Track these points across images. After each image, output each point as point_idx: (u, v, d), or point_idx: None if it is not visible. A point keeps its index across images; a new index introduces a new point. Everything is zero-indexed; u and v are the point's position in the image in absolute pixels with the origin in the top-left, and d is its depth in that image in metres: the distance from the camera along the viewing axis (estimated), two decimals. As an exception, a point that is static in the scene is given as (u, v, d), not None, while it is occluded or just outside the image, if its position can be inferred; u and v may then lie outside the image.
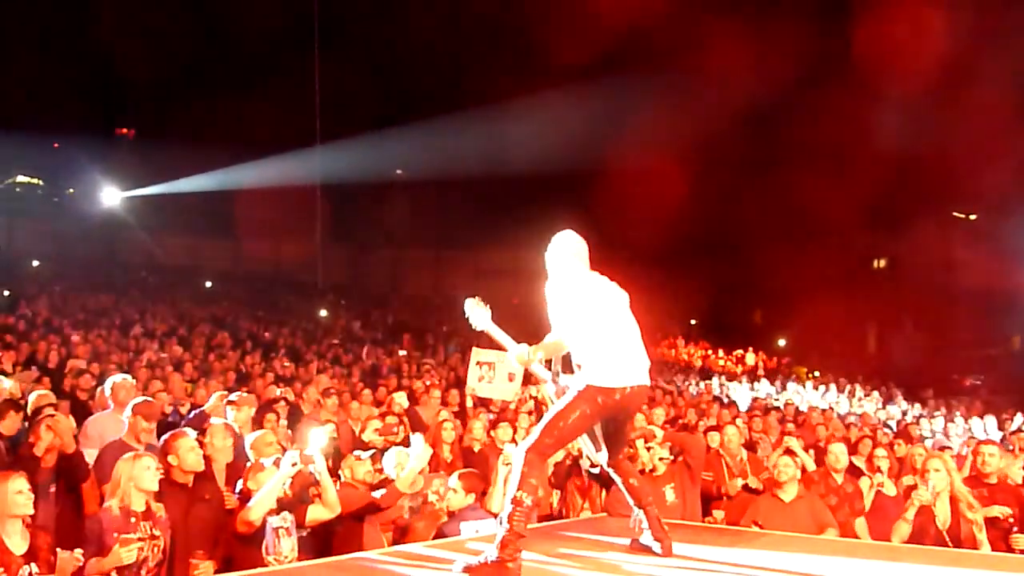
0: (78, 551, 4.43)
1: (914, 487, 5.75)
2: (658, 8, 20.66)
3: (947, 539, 5.43)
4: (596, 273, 4.54)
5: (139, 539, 4.61)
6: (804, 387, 20.71)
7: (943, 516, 5.49)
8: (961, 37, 18.60)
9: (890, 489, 6.66)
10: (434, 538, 5.46)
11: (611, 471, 4.72)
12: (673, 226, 22.54)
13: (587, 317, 4.31)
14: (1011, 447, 9.03)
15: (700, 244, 27.73)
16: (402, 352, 18.04)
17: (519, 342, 4.49)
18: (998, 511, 5.72)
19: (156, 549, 4.73)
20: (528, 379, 9.24)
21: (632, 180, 23.72)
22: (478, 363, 9.25)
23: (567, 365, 4.62)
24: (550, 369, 4.66)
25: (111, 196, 30.17)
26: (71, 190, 31.38)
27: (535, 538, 4.83)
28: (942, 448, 9.77)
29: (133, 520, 4.69)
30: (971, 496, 5.52)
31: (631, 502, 4.64)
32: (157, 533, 4.76)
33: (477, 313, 4.84)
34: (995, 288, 20.04)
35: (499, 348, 5.18)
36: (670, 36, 21.95)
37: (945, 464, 5.66)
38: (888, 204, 23.65)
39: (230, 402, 7.08)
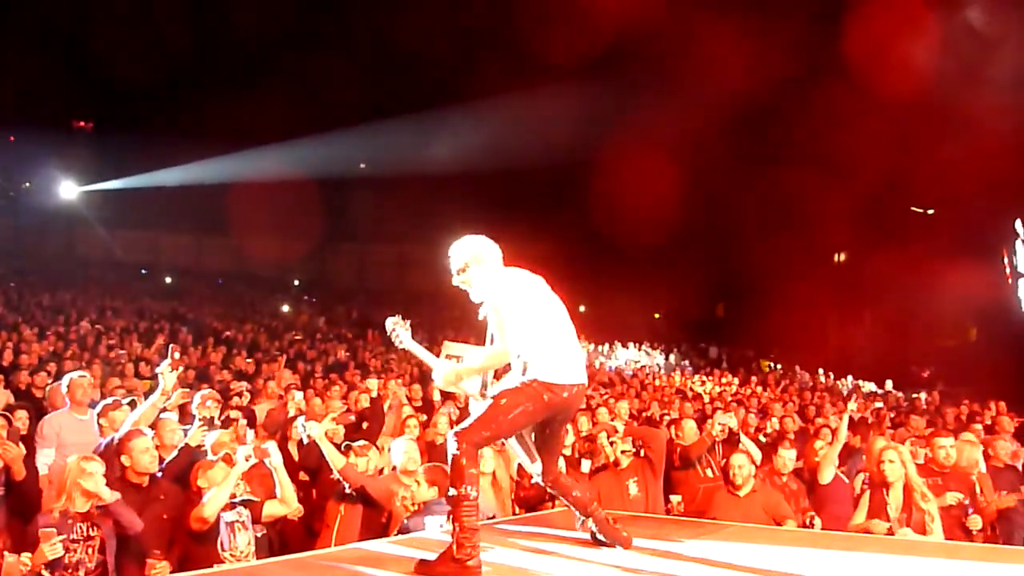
0: (25, 555, 4.34)
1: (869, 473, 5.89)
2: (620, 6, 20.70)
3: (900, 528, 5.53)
4: (516, 268, 4.39)
5: (70, 539, 4.52)
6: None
7: (896, 505, 5.59)
8: (915, 35, 18.89)
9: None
10: (398, 533, 5.41)
11: (550, 488, 4.57)
12: (636, 221, 22.60)
13: (530, 315, 4.16)
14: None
15: (662, 238, 27.88)
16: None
17: (483, 337, 4.40)
18: (951, 498, 5.88)
19: (91, 550, 4.62)
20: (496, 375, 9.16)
21: (596, 176, 23.75)
22: (447, 356, 9.15)
23: (496, 376, 4.51)
24: (483, 383, 4.53)
25: (68, 190, 29.69)
26: (27, 184, 30.77)
27: (496, 533, 4.83)
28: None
29: (70, 522, 4.60)
30: (924, 487, 5.63)
31: (577, 514, 4.55)
32: (93, 534, 4.66)
33: (399, 332, 4.83)
34: (952, 281, 20.38)
35: (467, 342, 5.14)
36: (638, 33, 21.97)
37: (900, 455, 5.77)
38: (848, 199, 23.96)
39: (204, 396, 6.98)
